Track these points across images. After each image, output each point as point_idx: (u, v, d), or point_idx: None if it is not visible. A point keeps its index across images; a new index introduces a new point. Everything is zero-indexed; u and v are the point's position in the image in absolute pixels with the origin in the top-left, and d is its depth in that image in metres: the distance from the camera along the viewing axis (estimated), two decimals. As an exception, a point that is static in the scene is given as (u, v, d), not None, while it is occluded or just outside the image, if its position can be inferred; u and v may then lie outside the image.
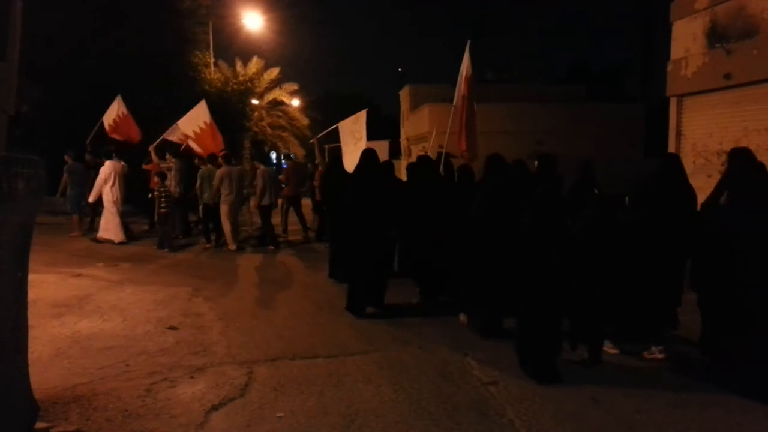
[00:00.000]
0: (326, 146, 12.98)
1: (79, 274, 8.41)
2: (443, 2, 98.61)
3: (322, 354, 5.15)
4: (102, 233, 11.40)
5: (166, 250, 10.81)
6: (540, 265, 4.64)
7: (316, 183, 13.03)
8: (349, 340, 5.61)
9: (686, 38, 12.06)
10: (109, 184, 11.16)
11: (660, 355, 5.04)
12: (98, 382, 4.42)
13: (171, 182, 11.63)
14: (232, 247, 11.03)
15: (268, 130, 28.37)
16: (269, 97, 28.57)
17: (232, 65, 26.72)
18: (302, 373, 4.70)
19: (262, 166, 11.88)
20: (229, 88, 23.70)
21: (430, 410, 4.01)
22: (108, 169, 11.23)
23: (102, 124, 13.06)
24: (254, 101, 27.06)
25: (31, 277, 8.03)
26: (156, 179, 11.22)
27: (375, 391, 4.34)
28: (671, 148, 12.22)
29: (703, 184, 11.40)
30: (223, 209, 10.89)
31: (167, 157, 12.17)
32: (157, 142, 12.21)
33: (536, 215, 4.80)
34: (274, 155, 32.56)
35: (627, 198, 5.34)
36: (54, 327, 5.74)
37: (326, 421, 3.86)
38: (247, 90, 24.99)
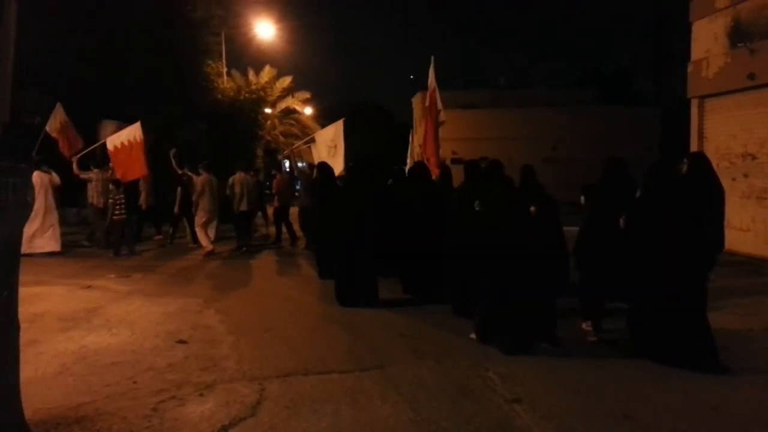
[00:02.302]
0: (279, 156, 13.14)
1: (89, 286, 8.28)
2: (455, 9, 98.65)
3: (336, 369, 4.93)
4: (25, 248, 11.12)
5: (125, 255, 11.12)
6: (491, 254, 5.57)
7: (273, 191, 13.02)
8: (364, 353, 5.38)
9: (707, 38, 11.77)
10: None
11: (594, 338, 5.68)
12: (103, 401, 4.23)
13: (92, 193, 11.77)
14: (209, 248, 11.26)
15: (281, 138, 28.32)
16: (282, 105, 28.57)
17: (245, 74, 26.74)
18: (316, 390, 4.47)
19: (240, 173, 12.01)
20: (242, 97, 23.67)
21: (451, 431, 3.76)
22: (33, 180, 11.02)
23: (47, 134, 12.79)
24: (267, 110, 27.05)
25: (40, 289, 7.95)
26: (111, 187, 11.35)
27: (392, 410, 4.11)
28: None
29: (728, 188, 11.09)
30: (200, 215, 11.25)
31: (91, 168, 12.12)
32: (82, 153, 12.13)
33: (489, 214, 5.76)
34: (287, 163, 32.47)
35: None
36: (60, 342, 5.57)
37: (341, 443, 3.64)
38: (260, 99, 24.95)
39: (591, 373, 4.83)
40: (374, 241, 7.50)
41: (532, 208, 5.85)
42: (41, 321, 6.27)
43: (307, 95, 29.92)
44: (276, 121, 28.46)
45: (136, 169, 11.42)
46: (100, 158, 12.21)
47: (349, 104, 44.07)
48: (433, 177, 8.61)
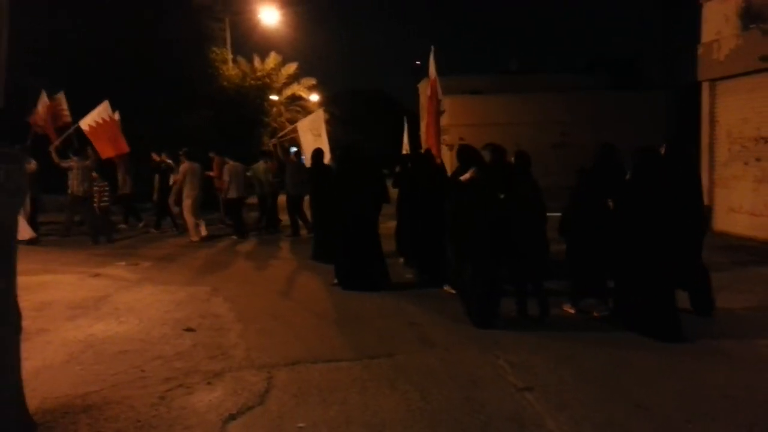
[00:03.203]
0: (272, 142, 13.31)
1: (98, 274, 8.27)
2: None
3: (344, 357, 4.89)
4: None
5: (104, 241, 11.39)
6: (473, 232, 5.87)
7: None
8: (373, 341, 5.34)
9: (718, 20, 11.55)
10: None
11: (605, 312, 5.89)
12: (110, 390, 4.21)
13: (73, 181, 11.80)
14: (195, 238, 11.62)
15: (288, 125, 28.21)
16: (287, 92, 28.46)
17: (250, 61, 26.61)
18: (324, 378, 4.44)
19: (230, 162, 12.31)
20: (247, 84, 23.55)
21: (462, 421, 3.72)
22: None
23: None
24: (273, 97, 26.94)
25: (49, 277, 7.95)
26: (95, 175, 11.74)
27: (401, 398, 4.07)
28: (704, 135, 11.77)
29: (740, 173, 10.99)
30: (187, 203, 11.55)
31: (70, 156, 12.12)
32: (58, 141, 12.15)
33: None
34: (294, 150, 32.39)
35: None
36: (68, 330, 5.56)
37: (350, 432, 3.60)
38: (265, 85, 24.84)
39: (602, 360, 4.77)
40: (377, 225, 7.75)
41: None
42: (50, 309, 6.26)
43: (313, 81, 29.82)
44: (282, 108, 28.36)
45: (118, 146, 11.76)
46: (78, 146, 12.19)
47: (355, 91, 43.89)
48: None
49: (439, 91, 10.02)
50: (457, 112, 26.18)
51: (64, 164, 11.82)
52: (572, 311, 6.11)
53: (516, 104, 26.25)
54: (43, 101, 12.47)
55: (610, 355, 4.89)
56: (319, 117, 12.10)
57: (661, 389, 4.17)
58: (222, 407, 3.95)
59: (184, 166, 11.55)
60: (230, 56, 24.02)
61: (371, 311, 6.37)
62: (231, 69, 23.84)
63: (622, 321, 5.52)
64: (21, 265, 8.90)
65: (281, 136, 13.60)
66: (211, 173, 13.14)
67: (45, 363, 4.69)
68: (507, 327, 5.67)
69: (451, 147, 24.07)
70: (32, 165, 11.37)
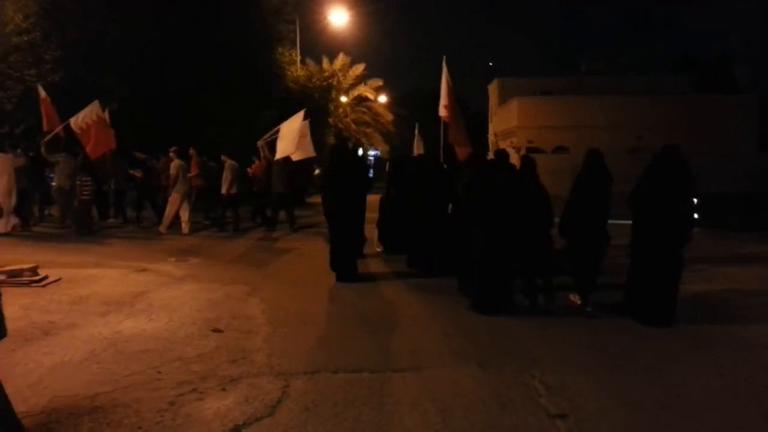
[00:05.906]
0: (259, 143, 13.52)
1: (144, 269, 8.31)
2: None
3: (367, 368, 4.57)
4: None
5: (86, 233, 11.73)
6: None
7: (250, 176, 13.97)
8: (401, 352, 5.00)
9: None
10: None
11: (578, 302, 6.41)
12: (122, 391, 4.07)
13: (59, 175, 12.12)
14: (164, 231, 12.17)
15: (353, 126, 28.25)
16: (354, 93, 28.48)
17: (319, 62, 26.81)
18: (341, 390, 4.14)
19: (229, 161, 12.96)
20: (312, 84, 23.69)
21: (479, 448, 3.33)
22: None
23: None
24: (342, 98, 27.04)
25: (95, 271, 8.02)
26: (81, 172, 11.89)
27: (419, 418, 3.70)
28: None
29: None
30: (174, 197, 12.09)
31: (60, 152, 12.41)
32: (49, 137, 12.30)
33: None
34: (361, 151, 32.43)
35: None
36: (96, 326, 5.51)
37: (355, 454, 3.28)
38: (330, 86, 24.91)
39: (651, 387, 4.24)
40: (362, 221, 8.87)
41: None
42: (85, 304, 6.27)
43: (380, 83, 29.74)
44: (348, 109, 28.43)
45: (107, 143, 12.20)
46: (66, 143, 12.56)
47: (423, 92, 43.45)
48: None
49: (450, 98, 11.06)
50: (527, 114, 25.34)
51: (51, 159, 12.24)
52: (578, 301, 6.48)
53: (588, 106, 25.14)
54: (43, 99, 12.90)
55: (662, 382, 4.34)
56: (298, 118, 12.27)
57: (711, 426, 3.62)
58: (229, 416, 3.73)
59: (176, 163, 12.11)
60: (298, 57, 24.24)
61: (407, 321, 6.03)
62: (299, 70, 24.05)
63: (630, 313, 5.97)
64: (76, 258, 9.10)
65: (264, 139, 13.60)
66: (190, 173, 13.27)
67: (64, 360, 4.63)
68: (550, 344, 5.21)
69: (518, 150, 23.33)
70: (20, 160, 11.98)
